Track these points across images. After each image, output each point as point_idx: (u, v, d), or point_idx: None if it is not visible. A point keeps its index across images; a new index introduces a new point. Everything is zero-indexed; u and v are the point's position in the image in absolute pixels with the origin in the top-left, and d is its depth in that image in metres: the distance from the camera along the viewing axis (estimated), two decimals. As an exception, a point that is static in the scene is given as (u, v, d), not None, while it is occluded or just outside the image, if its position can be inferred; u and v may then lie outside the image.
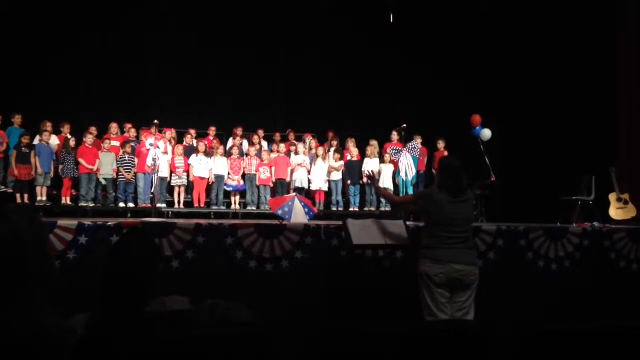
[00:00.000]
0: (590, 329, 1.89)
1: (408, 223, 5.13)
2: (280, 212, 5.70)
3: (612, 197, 8.02)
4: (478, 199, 9.18)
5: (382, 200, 10.17)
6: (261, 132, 10.91)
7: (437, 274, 3.88)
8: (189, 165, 9.73)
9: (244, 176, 10.07)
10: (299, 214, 5.71)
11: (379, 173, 10.15)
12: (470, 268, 3.94)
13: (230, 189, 10.02)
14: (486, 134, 9.28)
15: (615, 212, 7.93)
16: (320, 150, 10.22)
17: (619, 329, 1.89)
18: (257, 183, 10.00)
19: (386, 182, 10.11)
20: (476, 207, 9.18)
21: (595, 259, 5.76)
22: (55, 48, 9.94)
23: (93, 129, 9.46)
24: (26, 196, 8.68)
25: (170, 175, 9.66)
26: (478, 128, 9.36)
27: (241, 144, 10.56)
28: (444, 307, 3.90)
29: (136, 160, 9.41)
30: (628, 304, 5.25)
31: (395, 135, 10.42)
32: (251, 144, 10.49)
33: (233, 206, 10.04)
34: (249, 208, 9.99)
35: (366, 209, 10.19)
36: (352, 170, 10.23)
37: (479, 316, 4.06)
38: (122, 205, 9.33)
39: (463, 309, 3.94)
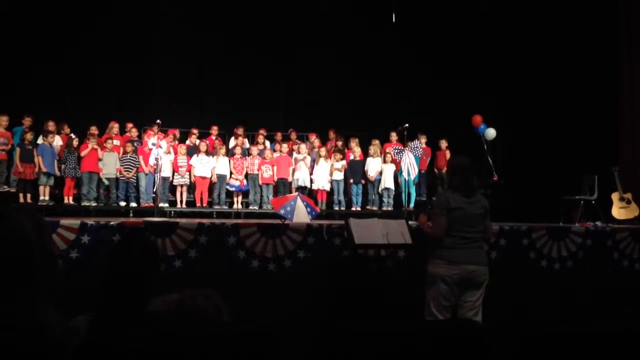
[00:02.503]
0: (592, 329, 1.89)
1: (410, 222, 5.13)
2: (282, 212, 5.71)
3: (615, 196, 8.00)
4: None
5: (384, 199, 10.19)
6: (263, 132, 10.89)
7: (452, 275, 3.88)
8: (190, 164, 9.74)
9: (246, 176, 10.07)
10: (301, 214, 5.72)
11: (381, 172, 10.16)
12: (482, 268, 3.97)
13: (233, 188, 10.01)
14: (490, 133, 9.27)
15: (618, 211, 7.91)
16: (323, 150, 10.22)
17: (621, 328, 1.89)
18: (260, 182, 10.00)
19: (388, 182, 10.11)
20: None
21: (597, 258, 5.75)
22: (57, 48, 9.92)
23: (94, 129, 9.45)
24: (29, 195, 8.69)
25: (173, 175, 9.67)
26: (482, 127, 9.36)
27: (243, 144, 10.55)
28: (445, 310, 3.93)
29: (140, 158, 9.38)
30: (631, 303, 5.25)
31: (394, 136, 10.41)
32: (255, 143, 10.49)
33: (235, 205, 10.04)
34: (251, 207, 9.99)
35: (368, 207, 10.19)
36: (355, 170, 10.23)
37: (482, 314, 4.06)
38: (122, 204, 9.34)
39: (473, 308, 3.97)
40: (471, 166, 4.10)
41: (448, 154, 10.25)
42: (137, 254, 2.11)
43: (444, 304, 3.91)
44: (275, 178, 10.03)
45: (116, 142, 9.54)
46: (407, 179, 9.28)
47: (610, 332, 1.87)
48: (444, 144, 10.43)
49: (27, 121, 9.09)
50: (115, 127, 9.77)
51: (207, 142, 10.13)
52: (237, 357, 1.74)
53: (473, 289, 3.95)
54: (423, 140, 10.18)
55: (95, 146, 9.10)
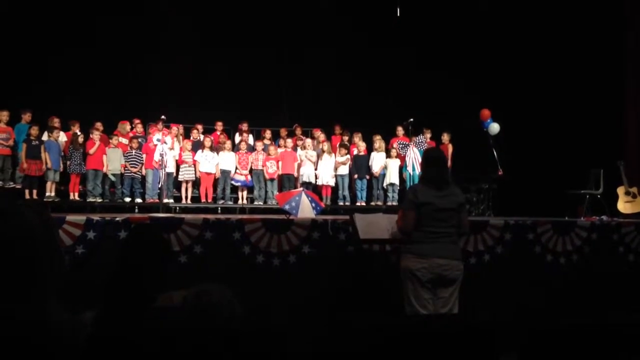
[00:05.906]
0: (598, 324, 1.89)
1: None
2: (287, 207, 5.71)
3: (620, 190, 7.98)
4: (484, 193, 9.18)
5: (389, 194, 10.18)
6: (268, 133, 10.87)
7: (420, 268, 3.79)
8: (195, 160, 9.75)
9: (251, 171, 10.08)
10: (306, 209, 5.71)
11: (385, 167, 10.14)
12: (454, 262, 3.85)
13: (239, 183, 10.03)
14: (494, 128, 9.25)
15: (624, 205, 7.89)
16: (327, 145, 10.21)
17: (627, 323, 1.89)
18: (266, 177, 10.00)
19: (393, 177, 10.09)
20: (482, 201, 9.20)
21: (603, 252, 5.74)
22: (60, 45, 9.92)
23: (99, 125, 9.47)
24: (35, 192, 8.72)
25: (177, 170, 9.69)
26: (488, 121, 9.34)
27: (246, 139, 10.56)
28: (427, 302, 3.82)
29: (144, 156, 9.42)
30: (637, 298, 5.24)
31: (400, 130, 10.39)
32: (260, 138, 10.50)
33: (240, 201, 10.06)
34: (256, 203, 10.00)
35: (373, 203, 10.19)
36: (359, 165, 10.22)
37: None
38: (127, 199, 9.37)
39: (447, 304, 3.86)
40: (444, 158, 4.08)
41: (450, 148, 10.23)
42: (145, 248, 2.12)
43: (425, 297, 3.81)
44: (280, 173, 10.04)
45: (124, 140, 9.56)
46: (412, 173, 9.27)
47: (616, 327, 1.87)
48: (446, 137, 10.39)
49: (27, 116, 9.12)
50: (126, 126, 9.83)
51: (212, 137, 10.14)
52: (242, 352, 1.75)
53: (445, 284, 3.83)
54: (428, 134, 10.17)
55: (97, 141, 9.11)
